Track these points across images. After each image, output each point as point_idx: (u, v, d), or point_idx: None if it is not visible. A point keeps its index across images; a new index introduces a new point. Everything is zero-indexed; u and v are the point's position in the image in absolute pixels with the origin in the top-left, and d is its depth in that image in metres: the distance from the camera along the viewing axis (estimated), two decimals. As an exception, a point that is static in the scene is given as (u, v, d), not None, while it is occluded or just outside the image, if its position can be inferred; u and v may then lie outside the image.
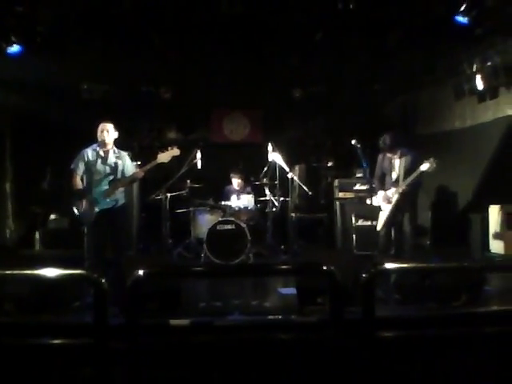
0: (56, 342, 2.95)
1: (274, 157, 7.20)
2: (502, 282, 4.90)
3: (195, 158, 6.96)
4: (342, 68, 7.16)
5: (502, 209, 6.62)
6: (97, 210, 5.22)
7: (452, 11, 5.38)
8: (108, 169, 5.31)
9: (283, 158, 7.20)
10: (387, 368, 2.79)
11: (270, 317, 4.04)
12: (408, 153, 5.88)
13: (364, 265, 4.17)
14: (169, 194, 7.27)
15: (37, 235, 7.75)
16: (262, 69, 7.21)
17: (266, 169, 7.51)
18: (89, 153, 5.33)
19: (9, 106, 7.77)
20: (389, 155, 5.95)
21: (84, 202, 5.23)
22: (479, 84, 6.62)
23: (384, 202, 5.92)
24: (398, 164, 5.90)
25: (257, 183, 7.78)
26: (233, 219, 7.07)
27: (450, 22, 5.42)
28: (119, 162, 5.37)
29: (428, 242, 7.97)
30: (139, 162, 6.71)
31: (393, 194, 5.83)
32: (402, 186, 5.77)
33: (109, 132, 5.32)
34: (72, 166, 5.34)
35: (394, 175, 5.93)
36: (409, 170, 5.84)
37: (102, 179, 5.29)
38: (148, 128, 9.23)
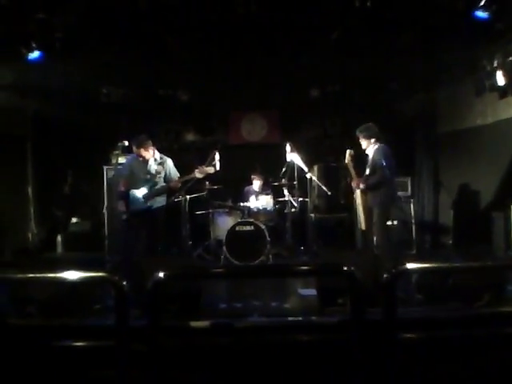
0: (78, 344, 2.98)
1: (293, 157, 7.18)
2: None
3: (214, 159, 6.98)
4: (359, 67, 7.10)
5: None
6: (132, 210, 5.62)
7: (472, 6, 5.30)
8: (148, 176, 5.70)
9: (301, 158, 7.18)
10: (409, 370, 2.75)
11: (291, 318, 4.02)
12: (376, 149, 5.80)
13: (385, 265, 4.14)
14: (188, 196, 7.30)
15: (59, 238, 7.87)
16: (278, 69, 7.20)
17: (284, 169, 7.49)
18: (131, 160, 5.82)
19: (30, 110, 7.90)
20: (368, 152, 5.90)
21: (123, 203, 5.64)
22: (500, 80, 6.52)
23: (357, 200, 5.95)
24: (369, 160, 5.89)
25: (275, 184, 7.77)
26: (252, 220, 7.07)
27: (470, 17, 5.35)
28: (161, 168, 5.74)
29: (450, 242, 7.88)
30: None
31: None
32: (354, 182, 5.84)
33: (143, 154, 5.70)
34: (118, 172, 6.00)
35: (367, 171, 5.91)
36: (370, 166, 5.80)
37: (141, 184, 5.67)
38: (166, 130, 9.28)
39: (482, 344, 3.08)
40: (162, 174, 5.73)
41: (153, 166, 5.73)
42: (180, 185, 5.81)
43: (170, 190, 5.88)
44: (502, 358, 2.98)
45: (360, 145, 5.93)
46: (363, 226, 5.85)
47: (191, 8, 5.45)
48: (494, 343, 3.08)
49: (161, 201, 5.75)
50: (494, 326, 3.42)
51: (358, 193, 5.81)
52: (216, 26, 5.85)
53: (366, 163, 5.91)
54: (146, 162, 5.73)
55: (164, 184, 5.72)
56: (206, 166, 5.87)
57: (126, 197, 5.65)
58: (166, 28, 5.80)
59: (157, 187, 5.68)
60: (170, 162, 5.85)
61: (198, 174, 5.77)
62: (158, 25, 5.67)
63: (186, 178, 5.82)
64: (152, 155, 5.73)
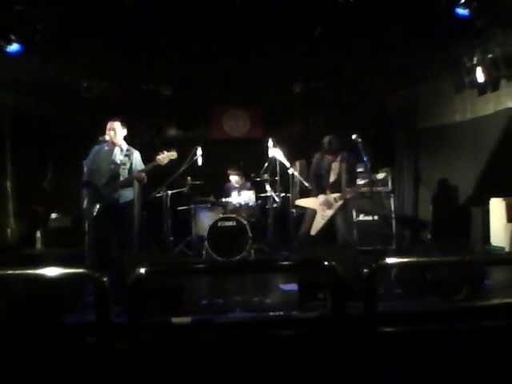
0: (59, 340, 2.96)
1: (275, 153, 7.18)
2: (503, 275, 4.91)
3: (195, 154, 6.95)
4: (342, 63, 7.13)
5: (503, 201, 6.60)
6: (98, 205, 5.31)
7: (452, 3, 5.36)
8: (113, 166, 5.41)
9: (284, 154, 7.18)
10: (389, 363, 2.79)
11: (272, 313, 4.04)
12: (349, 157, 5.84)
13: (365, 260, 4.19)
14: (169, 192, 7.27)
15: (38, 234, 7.77)
16: (261, 64, 7.19)
17: (266, 165, 7.50)
18: (97, 150, 5.47)
19: (9, 104, 7.77)
20: (328, 157, 5.87)
21: (87, 198, 5.35)
22: (480, 76, 6.60)
23: (324, 206, 5.79)
24: (337, 167, 5.84)
25: (257, 179, 7.77)
26: (234, 216, 7.07)
27: (451, 14, 5.41)
28: (127, 159, 5.45)
29: (429, 236, 7.98)
30: None
31: (336, 199, 5.76)
32: (351, 193, 5.76)
33: (116, 131, 5.43)
34: (84, 162, 5.53)
35: (332, 178, 5.85)
36: (351, 175, 5.81)
37: (106, 176, 5.39)
38: (148, 125, 9.21)
39: (460, 337, 3.14)
40: (128, 166, 5.46)
41: (118, 156, 5.48)
42: (144, 175, 5.45)
43: (136, 181, 5.57)
44: (480, 351, 3.03)
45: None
46: (314, 232, 5.81)
47: (175, 2, 5.41)
48: (471, 336, 3.14)
49: (128, 195, 5.51)
50: (472, 319, 3.49)
51: (337, 204, 5.80)
52: (200, 21, 5.82)
53: (328, 172, 5.89)
54: (112, 151, 5.47)
55: (127, 176, 5.46)
56: (169, 152, 5.52)
57: (92, 187, 5.40)
58: (149, 22, 5.75)
59: (121, 179, 5.43)
60: (137, 155, 5.59)
61: (160, 161, 5.43)
62: (141, 19, 5.62)
63: (150, 166, 5.48)
64: (120, 143, 5.51)
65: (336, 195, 5.76)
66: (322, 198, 5.81)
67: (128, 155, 5.47)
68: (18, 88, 7.33)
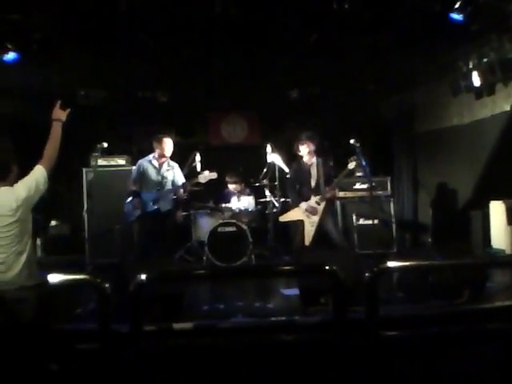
0: (61, 348, 2.95)
1: (273, 158, 7.21)
2: (504, 277, 4.91)
3: (194, 161, 6.95)
4: (338, 68, 7.15)
5: (503, 204, 6.60)
6: (140, 212, 5.80)
7: (447, 8, 5.38)
8: (159, 178, 5.94)
9: (282, 159, 7.20)
10: (391, 367, 2.78)
11: (274, 318, 4.03)
12: (323, 159, 5.99)
13: (366, 264, 4.18)
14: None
15: (38, 241, 7.75)
16: (258, 70, 7.20)
17: (265, 170, 7.51)
18: (144, 163, 6.02)
19: (7, 113, 7.76)
20: (305, 163, 5.98)
21: (133, 204, 5.85)
22: (476, 81, 6.62)
23: (309, 213, 5.83)
24: (315, 171, 5.92)
25: (257, 185, 7.77)
26: (234, 221, 7.06)
27: (446, 19, 5.43)
28: (170, 173, 6.00)
29: (429, 240, 7.98)
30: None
31: (318, 202, 5.80)
32: (330, 192, 5.81)
33: (170, 147, 5.96)
34: (131, 175, 6.11)
35: (313, 183, 5.92)
36: (329, 175, 5.90)
37: (152, 187, 5.90)
38: (145, 132, 9.20)
39: (462, 340, 3.13)
40: (170, 178, 5.98)
41: (165, 171, 5.97)
42: (183, 193, 6.06)
43: (176, 196, 6.08)
44: (482, 354, 3.03)
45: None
46: (308, 242, 5.83)
47: (170, 9, 5.42)
48: (473, 339, 3.13)
49: (167, 204, 5.95)
50: (474, 322, 3.48)
51: (320, 207, 5.81)
52: (195, 27, 5.83)
53: (308, 179, 5.95)
54: (160, 165, 5.97)
55: (170, 188, 5.97)
56: (211, 172, 6.04)
57: (138, 195, 5.86)
58: (145, 29, 5.76)
59: (164, 190, 5.91)
60: (177, 168, 6.12)
61: (201, 179, 5.97)
62: (137, 26, 5.63)
63: (191, 183, 6.05)
64: (167, 158, 5.99)
65: (316, 198, 5.81)
66: (304, 205, 5.89)
67: (171, 168, 6.00)
68: (16, 96, 7.32)
